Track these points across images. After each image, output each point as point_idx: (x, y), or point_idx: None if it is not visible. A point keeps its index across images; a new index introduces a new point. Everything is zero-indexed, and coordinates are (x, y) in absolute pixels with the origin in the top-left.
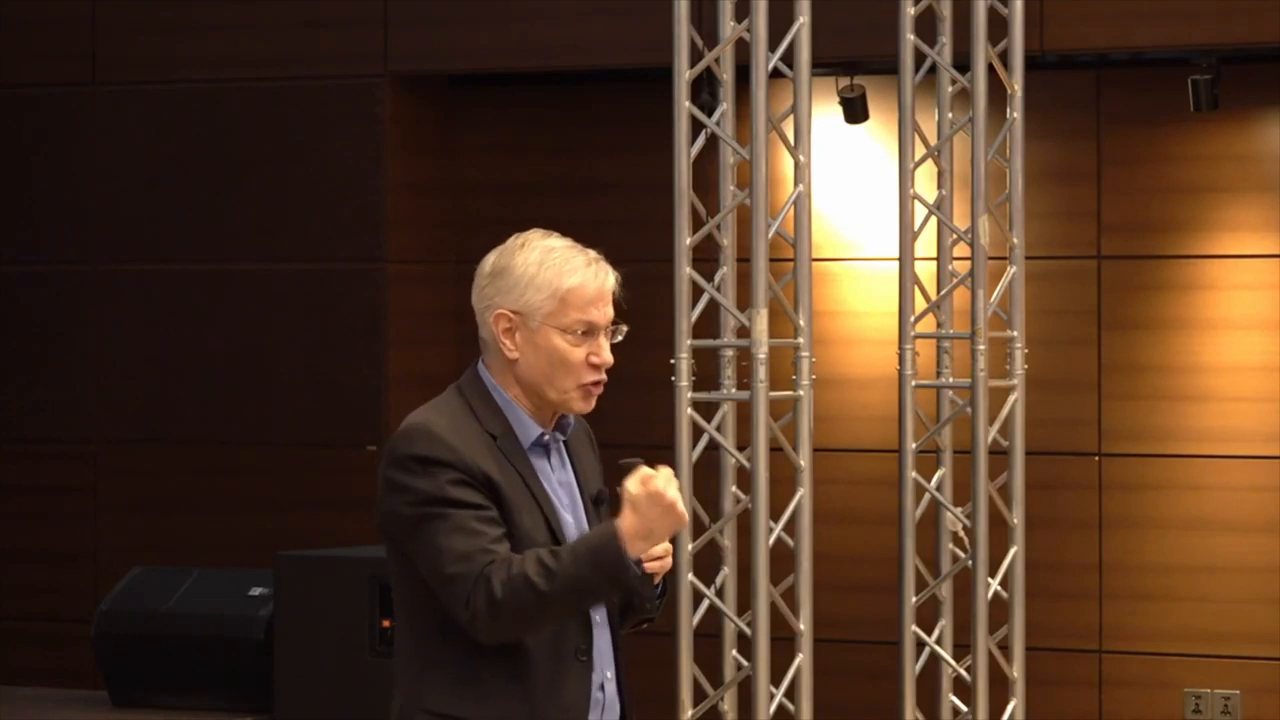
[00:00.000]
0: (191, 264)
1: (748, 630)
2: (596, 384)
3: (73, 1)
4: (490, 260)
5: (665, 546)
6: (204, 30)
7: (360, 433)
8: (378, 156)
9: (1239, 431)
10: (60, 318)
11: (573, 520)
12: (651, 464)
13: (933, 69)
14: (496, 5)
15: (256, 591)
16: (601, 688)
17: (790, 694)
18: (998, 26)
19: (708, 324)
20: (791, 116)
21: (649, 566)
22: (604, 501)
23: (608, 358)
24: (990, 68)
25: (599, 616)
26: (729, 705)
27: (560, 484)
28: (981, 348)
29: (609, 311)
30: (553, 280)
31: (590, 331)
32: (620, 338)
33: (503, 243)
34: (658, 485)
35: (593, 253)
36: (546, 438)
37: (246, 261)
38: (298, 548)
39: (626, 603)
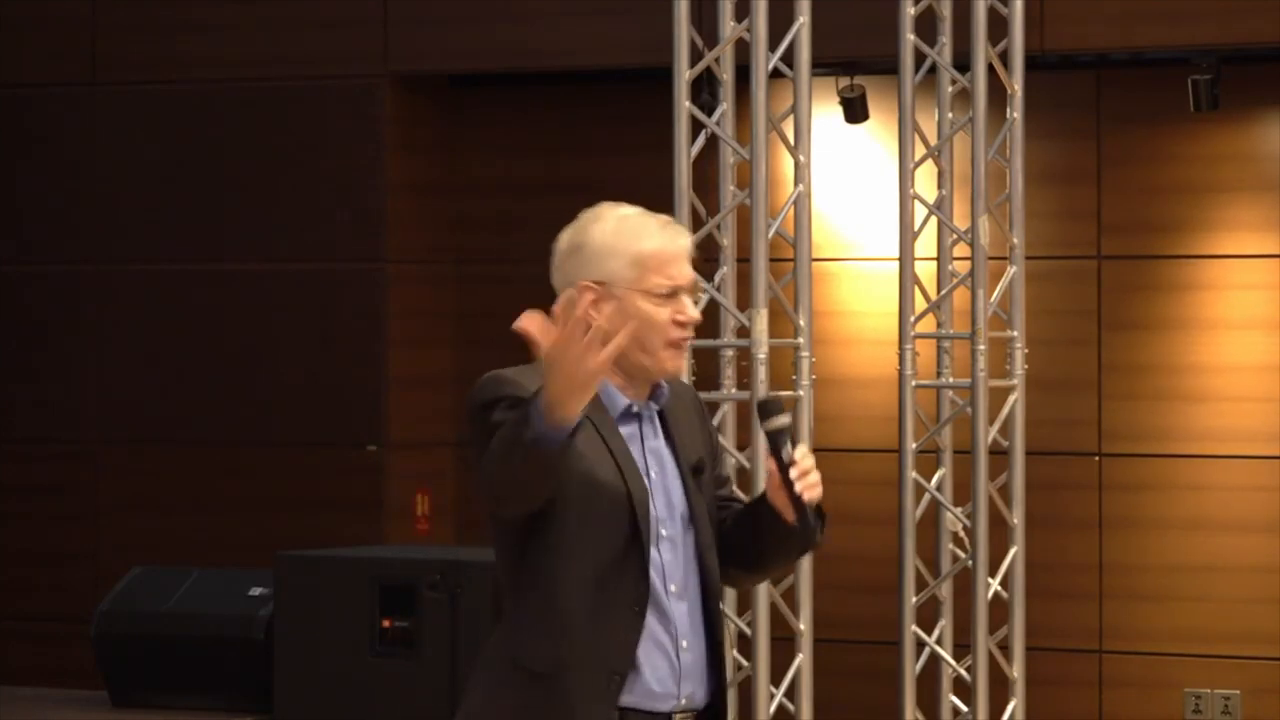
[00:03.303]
0: (191, 264)
1: (748, 630)
2: (684, 340)
3: (73, 1)
4: (565, 237)
5: (812, 467)
6: (204, 30)
7: (360, 433)
8: (378, 156)
9: (1239, 431)
10: (60, 318)
11: (660, 485)
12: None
13: (933, 69)
14: (496, 5)
15: (256, 591)
16: (677, 656)
17: (790, 694)
18: (998, 26)
19: (708, 324)
20: (791, 116)
21: (806, 495)
22: (702, 470)
23: (694, 314)
24: (990, 68)
25: (674, 585)
26: (729, 705)
27: (650, 451)
28: (981, 348)
29: (688, 270)
30: (631, 246)
31: (673, 292)
32: (702, 302)
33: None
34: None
35: (664, 216)
36: (636, 408)
37: (246, 261)
38: (298, 548)
39: (780, 536)
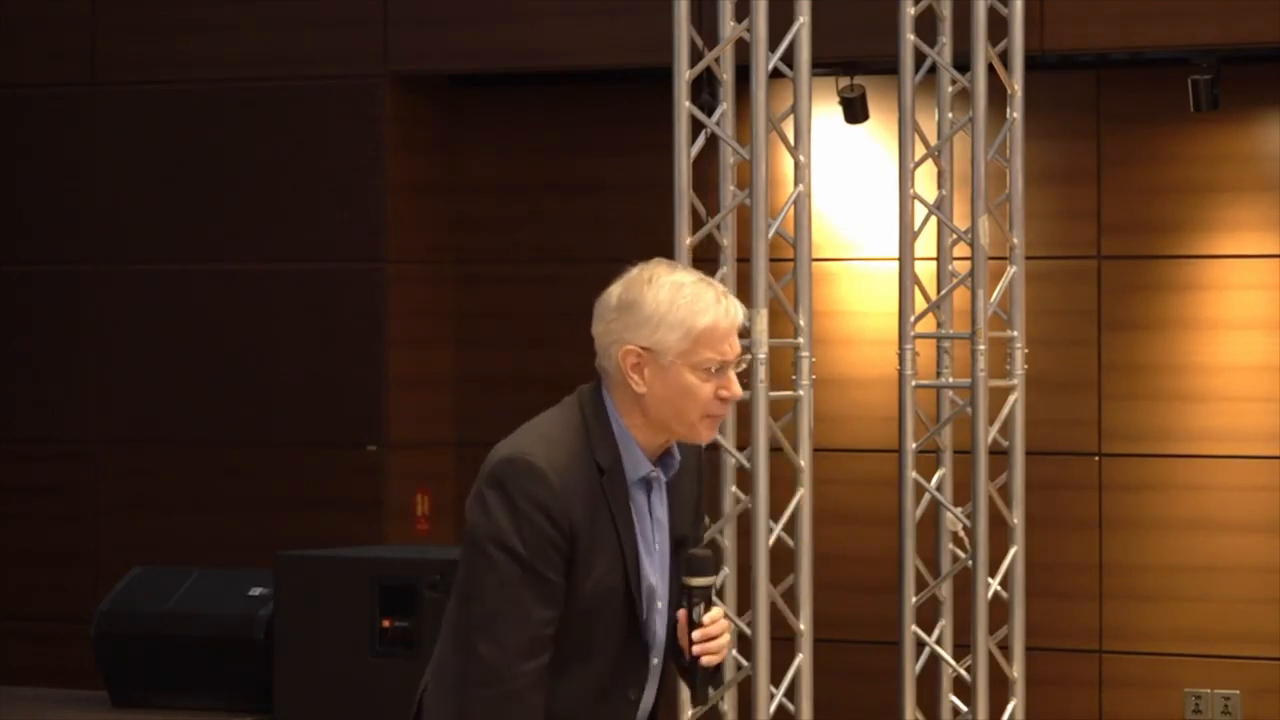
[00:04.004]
0: (191, 264)
1: (748, 630)
2: (723, 415)
3: (73, 1)
4: (616, 293)
5: (721, 632)
6: (204, 30)
7: (360, 433)
8: (378, 156)
9: (1239, 431)
10: (60, 318)
11: (653, 566)
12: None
13: (933, 69)
14: (496, 5)
15: (256, 591)
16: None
17: (790, 694)
18: (998, 26)
19: None
20: (791, 116)
21: (704, 659)
22: (686, 544)
23: (738, 391)
24: (990, 68)
25: (656, 659)
26: (729, 705)
27: (656, 522)
28: (981, 348)
29: (737, 344)
30: (686, 320)
31: (721, 368)
32: (744, 366)
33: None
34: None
35: (720, 285)
36: (654, 475)
37: (246, 261)
38: (298, 548)
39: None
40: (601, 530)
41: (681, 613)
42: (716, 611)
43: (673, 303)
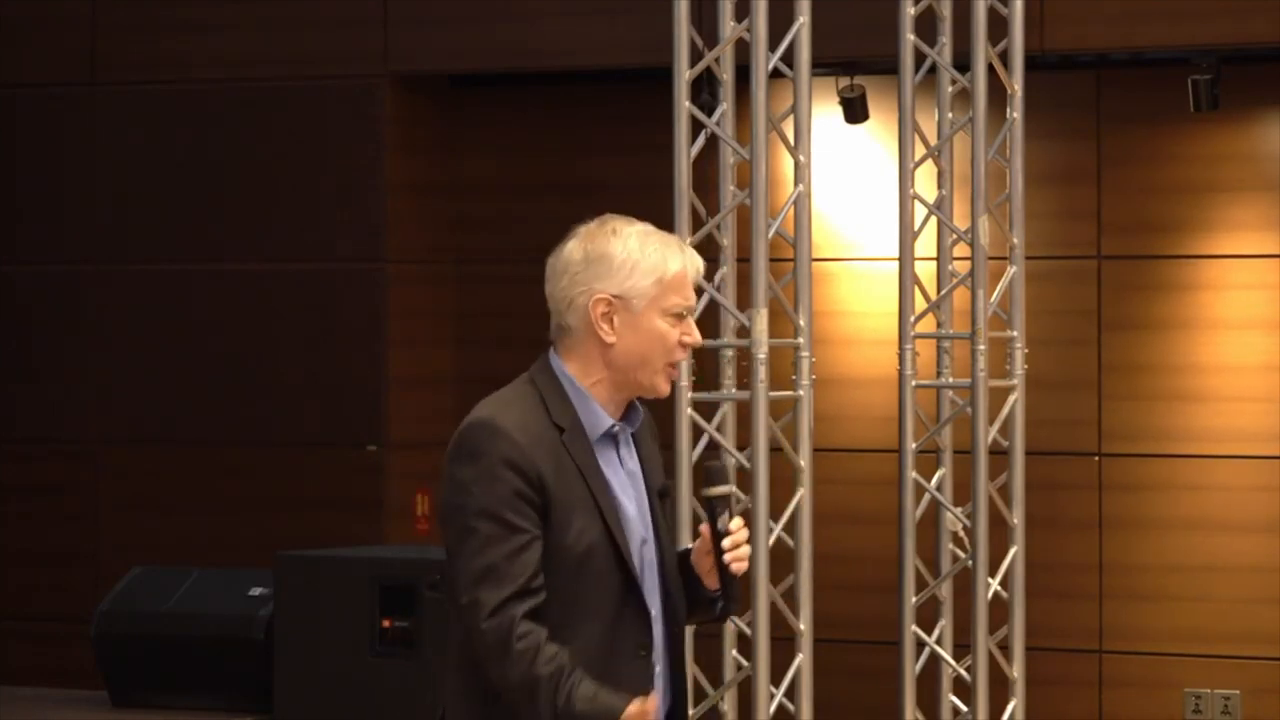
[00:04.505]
0: (191, 264)
1: (748, 630)
2: (677, 365)
3: (73, 1)
4: (578, 248)
5: (744, 540)
6: (204, 30)
7: (360, 433)
8: (378, 156)
9: (1239, 431)
10: (60, 317)
11: (635, 510)
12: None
13: (933, 69)
14: (496, 5)
15: (256, 591)
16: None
17: (790, 694)
18: (998, 26)
19: (708, 324)
20: (791, 116)
21: (734, 566)
22: (667, 495)
23: (699, 337)
24: (990, 68)
25: (655, 610)
26: (729, 705)
27: (628, 473)
28: (981, 348)
29: (693, 294)
30: (658, 266)
31: (684, 314)
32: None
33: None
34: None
35: (676, 237)
36: (616, 429)
37: (246, 261)
38: (298, 548)
39: (694, 599)
40: (573, 487)
41: (704, 527)
42: (738, 520)
43: (643, 250)
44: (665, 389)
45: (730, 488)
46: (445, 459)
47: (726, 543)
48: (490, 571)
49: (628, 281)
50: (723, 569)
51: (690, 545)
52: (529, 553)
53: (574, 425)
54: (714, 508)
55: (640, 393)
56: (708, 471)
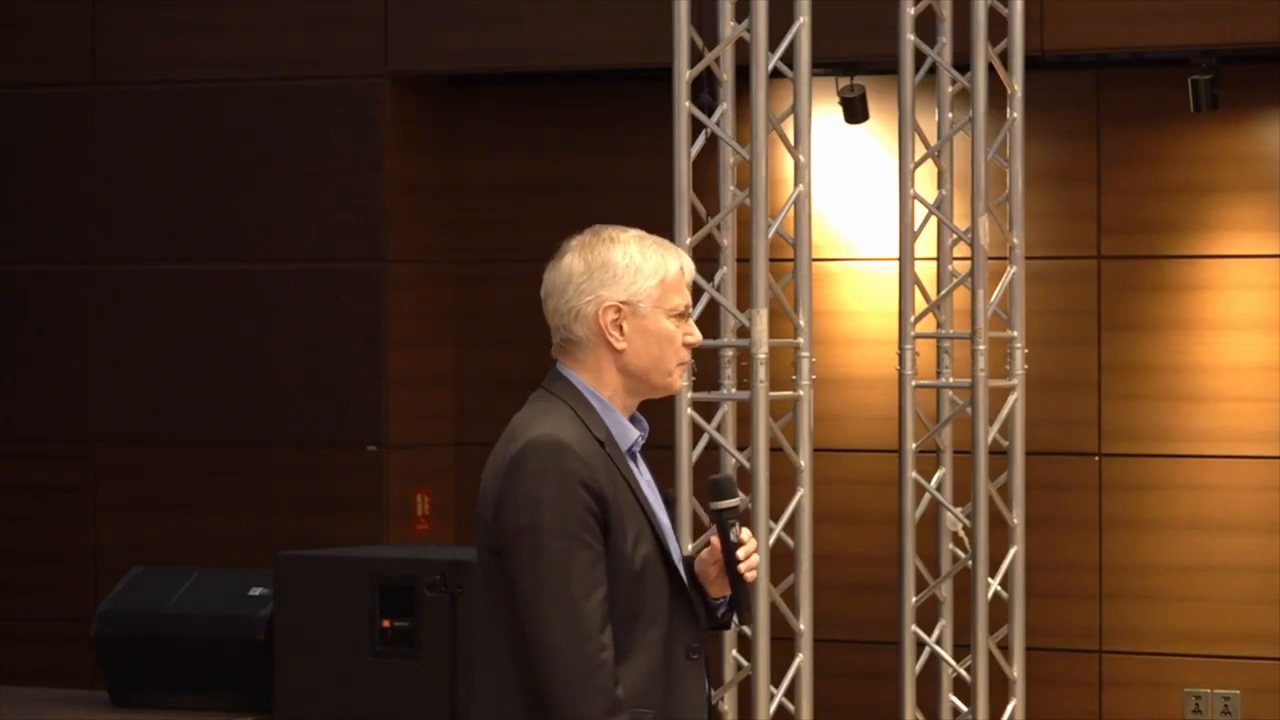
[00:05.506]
0: (191, 264)
1: (748, 630)
2: (687, 362)
3: (73, 1)
4: (577, 259)
5: (754, 549)
6: (204, 30)
7: (360, 433)
8: (378, 156)
9: (1239, 431)
10: (60, 317)
11: (665, 523)
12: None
13: (933, 69)
14: (496, 5)
15: (256, 591)
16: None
17: (790, 694)
18: (998, 26)
19: (708, 324)
20: (791, 116)
21: (748, 575)
22: (673, 502)
23: (699, 336)
24: (990, 68)
25: (699, 611)
26: (729, 705)
27: (648, 485)
28: (981, 348)
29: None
30: (659, 267)
31: (685, 313)
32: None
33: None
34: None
35: (666, 240)
36: (639, 440)
37: (246, 261)
38: (298, 548)
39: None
40: (624, 500)
41: (714, 539)
42: (747, 530)
43: (643, 254)
44: (679, 385)
45: (739, 499)
46: (502, 477)
47: (741, 553)
48: (563, 602)
49: (633, 286)
50: (736, 579)
51: (688, 552)
52: (599, 579)
53: (609, 437)
54: (724, 520)
55: (654, 394)
56: (716, 484)
